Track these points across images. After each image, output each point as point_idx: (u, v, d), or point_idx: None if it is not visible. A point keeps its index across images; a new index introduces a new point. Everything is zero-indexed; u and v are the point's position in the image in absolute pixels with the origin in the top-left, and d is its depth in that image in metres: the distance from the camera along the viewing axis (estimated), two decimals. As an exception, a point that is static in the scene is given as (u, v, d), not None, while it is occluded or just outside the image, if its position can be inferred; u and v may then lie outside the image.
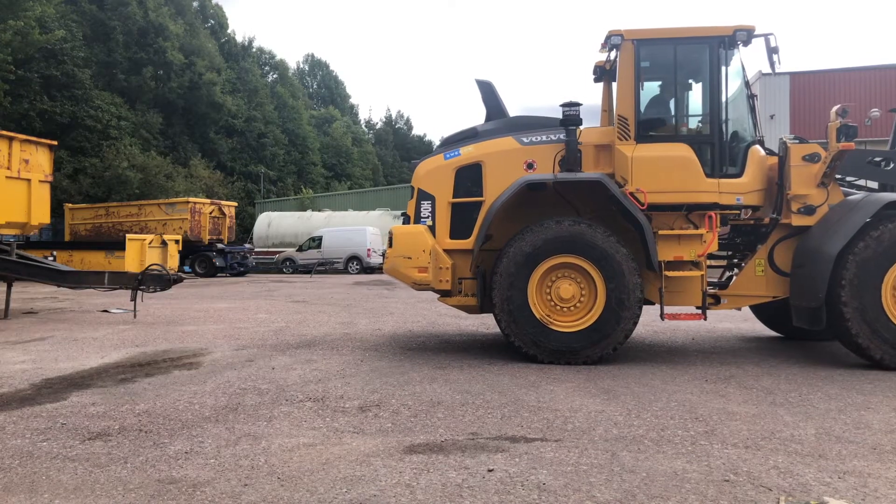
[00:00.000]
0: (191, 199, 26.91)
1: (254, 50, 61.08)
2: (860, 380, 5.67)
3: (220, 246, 26.46)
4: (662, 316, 6.62)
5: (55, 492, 3.15)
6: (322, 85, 78.77)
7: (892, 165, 7.00)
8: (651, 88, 7.15)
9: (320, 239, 29.83)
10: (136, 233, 23.55)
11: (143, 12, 41.50)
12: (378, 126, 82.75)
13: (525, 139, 7.14)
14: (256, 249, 31.12)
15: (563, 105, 6.97)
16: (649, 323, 9.60)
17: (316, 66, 79.19)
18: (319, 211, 37.19)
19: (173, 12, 45.60)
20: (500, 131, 7.38)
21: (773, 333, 8.42)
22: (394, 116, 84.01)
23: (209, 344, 7.75)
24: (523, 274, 6.55)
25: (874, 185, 7.35)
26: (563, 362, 6.42)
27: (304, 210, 39.03)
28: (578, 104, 6.95)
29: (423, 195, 7.30)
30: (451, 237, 7.14)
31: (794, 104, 25.05)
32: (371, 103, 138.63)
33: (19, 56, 28.46)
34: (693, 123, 7.10)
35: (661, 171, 6.57)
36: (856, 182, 7.36)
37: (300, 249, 30.29)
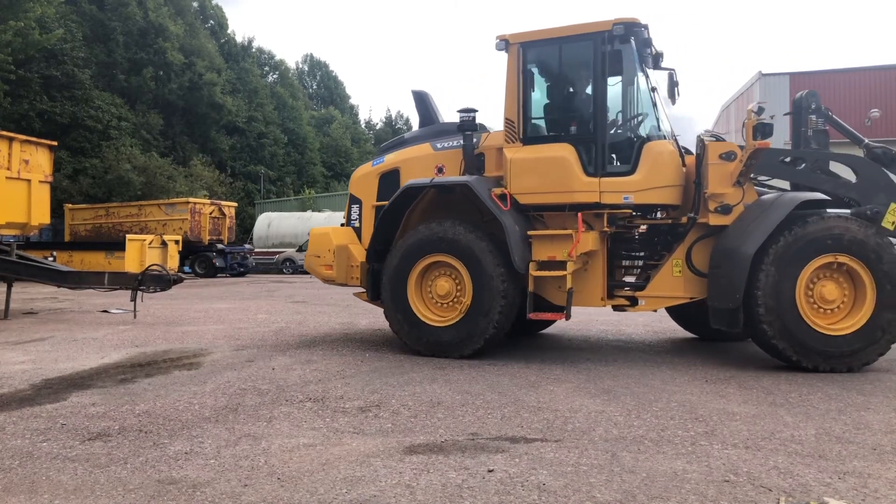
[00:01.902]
0: (191, 199, 26.91)
1: (253, 50, 61.08)
2: (860, 380, 5.67)
3: (220, 246, 26.46)
4: (527, 314, 6.56)
5: (55, 492, 3.15)
6: (322, 85, 78.72)
7: (802, 165, 6.93)
8: (543, 89, 7.16)
9: (321, 239, 29.76)
10: (136, 233, 23.54)
11: (143, 13, 41.49)
12: (378, 126, 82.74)
13: (438, 145, 7.51)
14: (256, 250, 31.10)
15: (460, 111, 7.24)
16: (649, 323, 9.62)
17: (315, 67, 79.14)
18: (319, 211, 37.18)
19: (173, 13, 45.58)
20: (421, 138, 7.86)
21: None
22: (394, 116, 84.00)
23: (209, 344, 7.75)
24: (403, 272, 6.97)
25: (786, 185, 7.28)
26: (442, 356, 6.74)
27: (305, 210, 39.03)
28: (474, 110, 7.18)
29: (354, 199, 7.93)
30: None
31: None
32: (371, 103, 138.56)
33: (20, 56, 28.46)
34: (577, 122, 6.93)
35: (538, 173, 6.68)
36: (767, 182, 7.27)
37: (300, 250, 30.25)
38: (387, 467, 3.46)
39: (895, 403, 4.84)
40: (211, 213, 26.40)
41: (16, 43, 26.86)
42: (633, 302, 6.84)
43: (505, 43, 6.96)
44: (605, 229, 6.71)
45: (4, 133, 11.04)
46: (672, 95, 7.25)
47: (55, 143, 12.28)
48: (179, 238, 23.97)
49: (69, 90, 34.14)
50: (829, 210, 6.34)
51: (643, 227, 7.15)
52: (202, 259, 26.14)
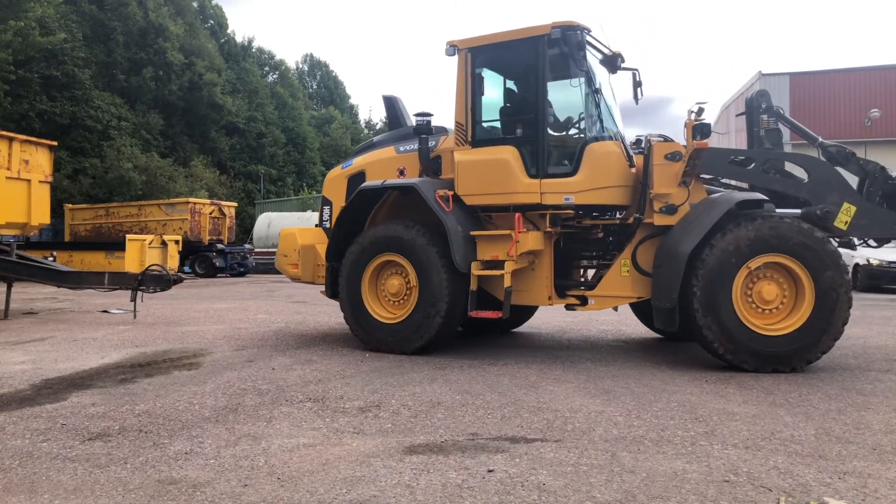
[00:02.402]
0: (191, 199, 26.89)
1: (253, 50, 61.08)
2: (860, 380, 5.67)
3: (220, 246, 26.43)
4: (467, 313, 6.75)
5: (55, 492, 3.15)
6: (322, 85, 78.70)
7: (752, 165, 6.90)
8: (491, 93, 7.25)
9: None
10: (135, 233, 23.53)
11: (144, 13, 41.46)
12: (378, 126, 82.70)
13: (401, 148, 7.72)
14: (256, 250, 31.05)
15: (416, 115, 7.51)
16: (649, 323, 9.61)
17: (315, 67, 79.10)
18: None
19: (173, 12, 45.55)
20: (387, 141, 8.20)
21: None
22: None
23: (209, 344, 7.75)
24: (358, 271, 7.23)
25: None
26: (390, 352, 6.97)
27: (305, 210, 39.00)
28: (430, 114, 7.49)
29: (325, 201, 8.24)
30: None
31: (794, 104, 25.03)
32: (371, 103, 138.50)
33: (20, 57, 28.44)
34: (520, 125, 7.02)
35: (482, 174, 6.83)
36: (730, 183, 7.23)
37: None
38: (387, 467, 3.46)
39: (895, 403, 4.84)
40: (211, 213, 26.38)
41: (16, 43, 26.85)
42: (584, 301, 6.91)
43: (454, 48, 7.13)
44: (549, 230, 6.81)
45: (4, 133, 11.04)
46: (635, 95, 7.43)
47: (55, 143, 12.28)
48: (179, 238, 23.96)
49: (69, 90, 34.12)
50: (770, 210, 6.25)
51: (596, 227, 7.20)
52: (202, 259, 26.12)
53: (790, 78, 25.52)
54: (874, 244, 6.94)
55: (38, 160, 11.39)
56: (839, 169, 6.71)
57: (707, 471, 3.40)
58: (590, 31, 6.77)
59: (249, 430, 4.18)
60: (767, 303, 6.00)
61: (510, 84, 7.29)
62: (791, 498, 3.04)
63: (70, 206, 27.94)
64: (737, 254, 5.92)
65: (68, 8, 35.49)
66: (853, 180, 6.65)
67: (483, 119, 7.15)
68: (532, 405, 4.79)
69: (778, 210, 6.25)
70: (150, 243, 21.96)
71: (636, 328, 9.03)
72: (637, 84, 7.45)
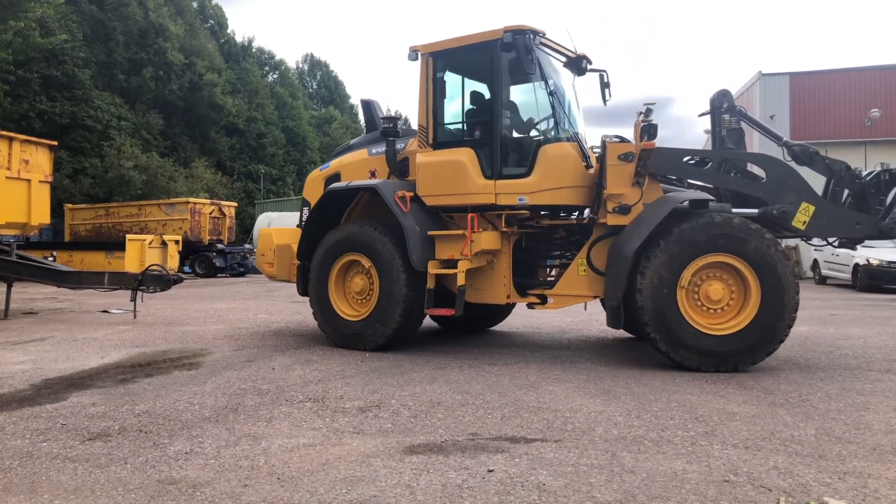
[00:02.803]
0: (191, 199, 26.88)
1: (254, 50, 61.08)
2: (860, 380, 5.67)
3: (220, 246, 26.43)
4: (424, 309, 6.95)
5: (55, 492, 3.15)
6: (322, 85, 78.72)
7: (709, 165, 6.90)
8: (450, 96, 7.39)
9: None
10: (135, 233, 23.53)
11: (144, 13, 41.48)
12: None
13: (373, 150, 7.95)
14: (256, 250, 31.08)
15: (382, 118, 7.78)
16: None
17: (315, 66, 79.13)
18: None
19: (173, 12, 45.58)
20: (362, 144, 8.34)
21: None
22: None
23: (209, 344, 7.75)
24: (325, 270, 7.47)
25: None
26: (362, 349, 7.15)
27: (305, 210, 38.90)
28: (396, 118, 7.91)
29: (305, 202, 8.45)
30: None
31: (794, 104, 25.02)
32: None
33: (20, 57, 28.44)
34: (478, 127, 7.14)
35: (440, 176, 7.01)
36: (696, 184, 7.18)
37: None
38: (387, 467, 3.46)
39: (895, 403, 4.84)
40: (211, 213, 26.38)
41: (16, 43, 26.85)
42: (544, 300, 7.02)
43: (416, 53, 7.31)
44: (505, 230, 6.92)
45: (4, 133, 11.03)
46: (603, 97, 7.58)
47: (55, 143, 12.27)
48: (179, 238, 23.95)
49: (69, 90, 34.13)
50: (725, 209, 6.23)
51: (557, 227, 7.28)
52: (202, 259, 26.11)
53: (790, 78, 25.48)
54: (836, 244, 6.87)
55: (38, 160, 11.38)
56: (806, 169, 6.72)
57: (707, 471, 3.40)
58: (543, 34, 6.85)
59: (249, 430, 4.18)
60: (714, 302, 6.01)
61: (468, 87, 7.43)
62: (791, 498, 3.04)
63: (70, 205, 27.93)
64: (681, 253, 5.94)
65: (68, 8, 35.47)
66: (822, 180, 6.64)
67: (443, 122, 7.33)
68: (532, 405, 4.79)
69: (735, 210, 6.26)
70: (150, 243, 21.96)
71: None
72: (605, 85, 7.62)
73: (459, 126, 7.33)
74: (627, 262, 5.99)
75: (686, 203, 6.13)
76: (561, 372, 6.07)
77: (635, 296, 6.03)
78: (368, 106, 8.47)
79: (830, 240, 6.77)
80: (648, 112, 6.25)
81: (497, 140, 6.82)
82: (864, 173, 6.53)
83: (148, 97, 42.41)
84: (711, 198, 6.39)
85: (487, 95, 7.17)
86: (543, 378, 5.77)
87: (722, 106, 7.01)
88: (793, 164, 6.84)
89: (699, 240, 5.91)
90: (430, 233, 6.99)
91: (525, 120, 7.25)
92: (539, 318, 10.03)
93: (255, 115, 52.21)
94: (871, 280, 16.37)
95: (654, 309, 5.96)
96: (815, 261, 19.96)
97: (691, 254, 5.92)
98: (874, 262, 16.30)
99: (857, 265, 16.69)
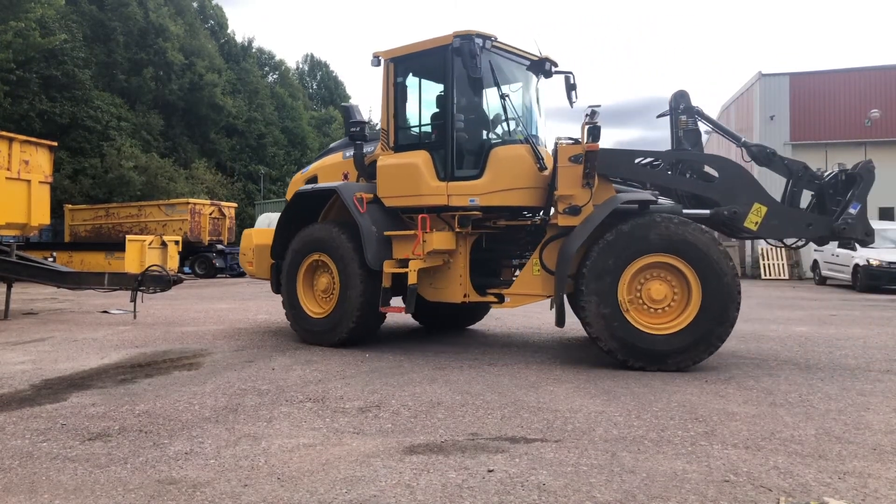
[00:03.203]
0: (190, 200, 26.90)
1: (254, 50, 61.08)
2: (860, 380, 5.68)
3: (219, 247, 26.44)
4: (379, 307, 7.16)
5: (55, 492, 3.15)
6: (322, 85, 78.70)
7: (661, 166, 6.91)
8: (410, 100, 7.53)
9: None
10: (135, 234, 23.54)
11: (144, 13, 41.48)
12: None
13: (346, 154, 8.20)
14: (256, 250, 31.05)
15: (351, 123, 7.98)
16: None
17: (316, 67, 79.11)
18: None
19: (173, 13, 45.57)
20: (339, 147, 8.57)
21: (770, 334, 8.41)
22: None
23: (209, 344, 7.75)
24: (294, 268, 7.75)
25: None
26: (326, 344, 7.39)
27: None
28: (365, 122, 8.11)
29: (287, 203, 8.52)
30: None
31: (794, 105, 25.02)
32: (371, 103, 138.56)
33: (20, 57, 28.44)
34: (432, 130, 7.31)
35: (397, 178, 7.21)
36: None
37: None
38: (387, 467, 3.46)
39: (895, 403, 4.84)
40: (211, 214, 26.39)
41: (16, 44, 26.85)
42: (500, 299, 7.13)
43: (378, 59, 7.52)
44: (458, 230, 7.04)
45: (4, 133, 11.03)
46: (569, 98, 7.70)
47: (55, 144, 12.27)
48: (179, 238, 23.97)
49: (69, 90, 34.12)
50: (676, 211, 6.28)
51: (516, 228, 7.33)
52: (202, 259, 26.12)
53: (790, 78, 25.47)
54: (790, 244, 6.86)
55: (38, 160, 11.39)
56: (764, 169, 6.76)
57: (707, 471, 3.40)
58: (494, 38, 6.89)
59: (249, 430, 4.18)
60: (657, 302, 6.03)
61: (426, 91, 7.53)
62: (791, 498, 3.04)
63: (70, 206, 27.94)
64: (623, 253, 5.98)
65: (68, 8, 35.48)
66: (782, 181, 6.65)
67: (403, 125, 7.52)
68: (532, 405, 4.79)
69: (687, 211, 6.31)
70: (149, 244, 21.96)
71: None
72: (571, 87, 7.72)
73: (417, 129, 7.47)
74: (569, 262, 6.09)
75: (629, 204, 6.18)
76: (561, 372, 6.07)
77: (579, 295, 6.09)
78: (348, 111, 8.70)
79: (788, 241, 6.78)
80: (594, 114, 6.31)
81: (450, 143, 6.94)
82: (826, 174, 6.54)
83: (148, 97, 42.40)
84: (653, 198, 6.43)
85: (441, 99, 7.28)
86: (543, 378, 5.77)
87: (679, 107, 7.01)
88: (752, 164, 6.90)
89: (640, 240, 5.95)
90: (385, 233, 7.16)
91: (479, 123, 7.31)
92: (539, 318, 10.03)
93: (255, 115, 52.21)
94: (871, 280, 16.36)
95: (595, 309, 6.01)
96: (815, 261, 19.96)
97: (632, 254, 5.97)
98: (874, 263, 16.30)
99: (857, 266, 16.68)
